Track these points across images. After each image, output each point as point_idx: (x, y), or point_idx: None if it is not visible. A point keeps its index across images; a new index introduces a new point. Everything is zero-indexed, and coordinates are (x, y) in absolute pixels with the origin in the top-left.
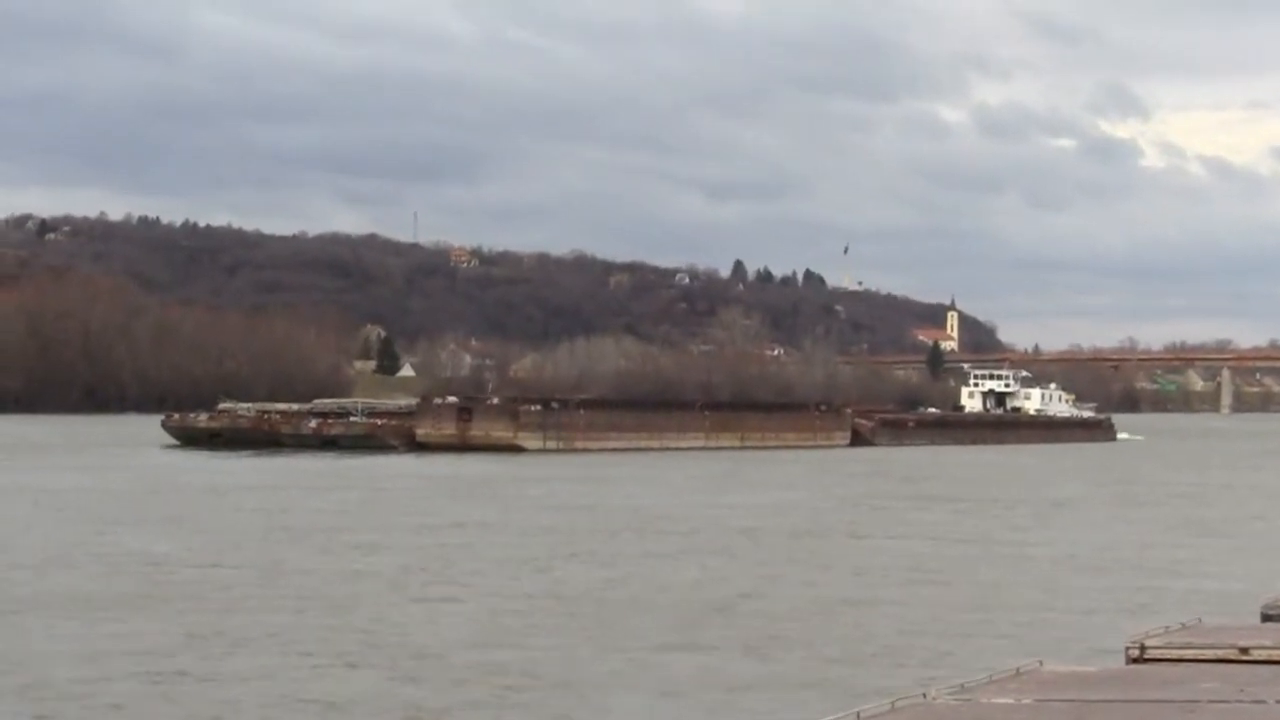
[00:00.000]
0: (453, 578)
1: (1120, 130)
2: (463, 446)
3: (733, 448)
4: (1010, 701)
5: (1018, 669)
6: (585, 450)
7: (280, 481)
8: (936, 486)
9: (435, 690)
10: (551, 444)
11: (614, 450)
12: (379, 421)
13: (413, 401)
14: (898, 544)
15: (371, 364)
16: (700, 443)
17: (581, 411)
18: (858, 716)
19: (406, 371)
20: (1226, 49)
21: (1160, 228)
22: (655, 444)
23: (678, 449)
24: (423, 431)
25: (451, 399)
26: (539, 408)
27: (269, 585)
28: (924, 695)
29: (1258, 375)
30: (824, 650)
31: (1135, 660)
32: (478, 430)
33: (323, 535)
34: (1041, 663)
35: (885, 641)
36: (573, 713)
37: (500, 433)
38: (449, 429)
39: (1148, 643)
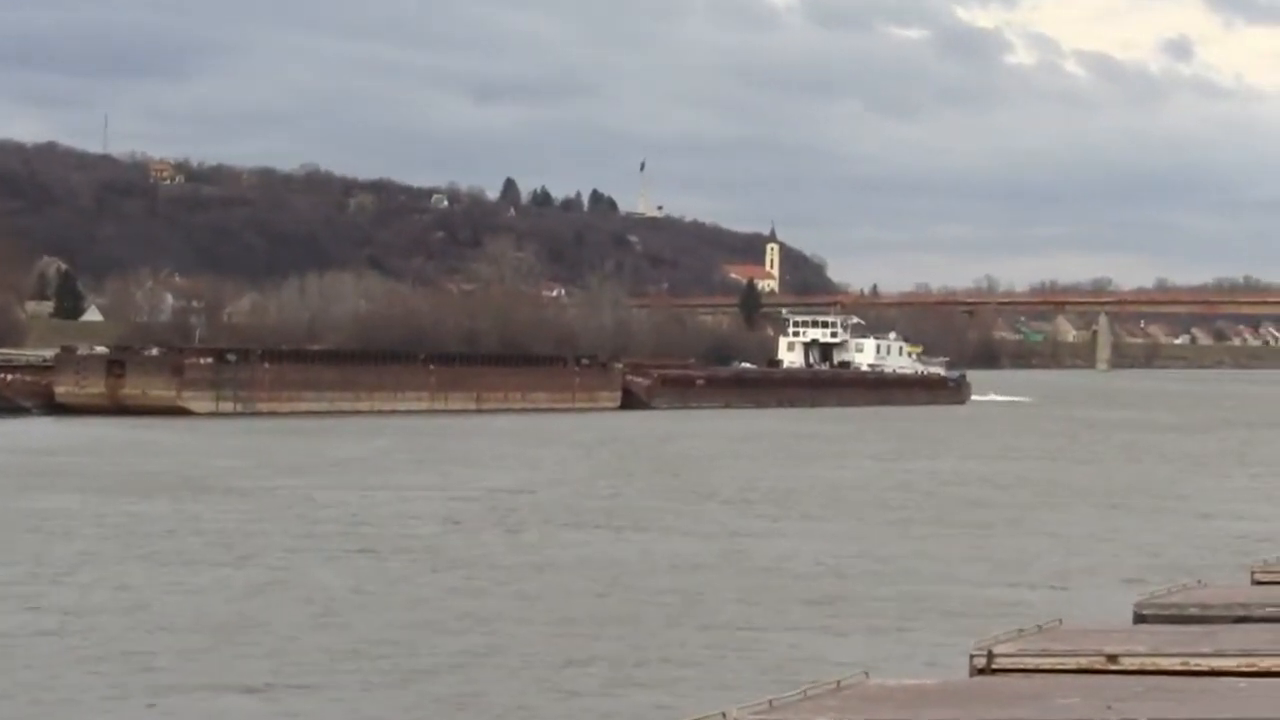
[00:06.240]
0: None
1: (982, 19)
2: (114, 408)
3: (465, 411)
4: None
5: (838, 682)
6: (273, 414)
7: None
8: (679, 469)
9: None
10: (227, 406)
11: (308, 414)
12: (7, 378)
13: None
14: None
15: (49, 305)
16: (424, 404)
17: (267, 365)
18: None
19: (93, 315)
20: None
21: (1029, 140)
22: (365, 406)
23: (394, 412)
24: (63, 390)
25: (100, 349)
26: (210, 361)
27: None
28: (723, 716)
29: (1142, 323)
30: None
31: (981, 670)
32: (132, 388)
33: None
34: (867, 674)
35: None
36: None
37: (160, 391)
38: (96, 387)
39: (996, 649)
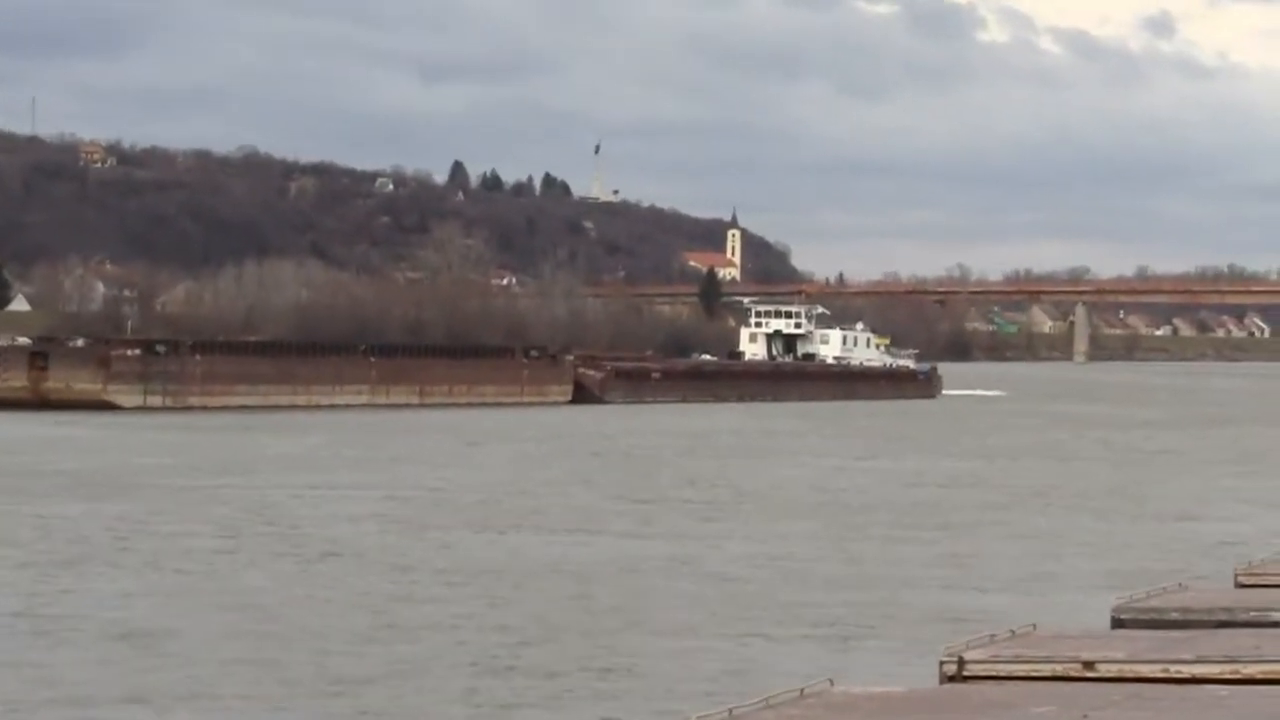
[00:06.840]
0: None
1: None
2: (36, 403)
3: (407, 405)
4: None
5: (802, 689)
6: (204, 409)
7: None
8: (628, 467)
9: None
10: (155, 400)
11: (241, 409)
12: None
13: None
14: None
15: None
16: (364, 398)
17: (198, 357)
18: None
19: (20, 304)
20: None
21: (1003, 121)
22: (302, 400)
23: (332, 406)
24: None
25: (23, 340)
26: (139, 352)
27: None
28: None
29: (1121, 313)
30: None
31: (952, 678)
32: (55, 381)
33: None
34: (832, 681)
35: None
36: None
37: (85, 385)
38: (17, 380)
39: (967, 655)
